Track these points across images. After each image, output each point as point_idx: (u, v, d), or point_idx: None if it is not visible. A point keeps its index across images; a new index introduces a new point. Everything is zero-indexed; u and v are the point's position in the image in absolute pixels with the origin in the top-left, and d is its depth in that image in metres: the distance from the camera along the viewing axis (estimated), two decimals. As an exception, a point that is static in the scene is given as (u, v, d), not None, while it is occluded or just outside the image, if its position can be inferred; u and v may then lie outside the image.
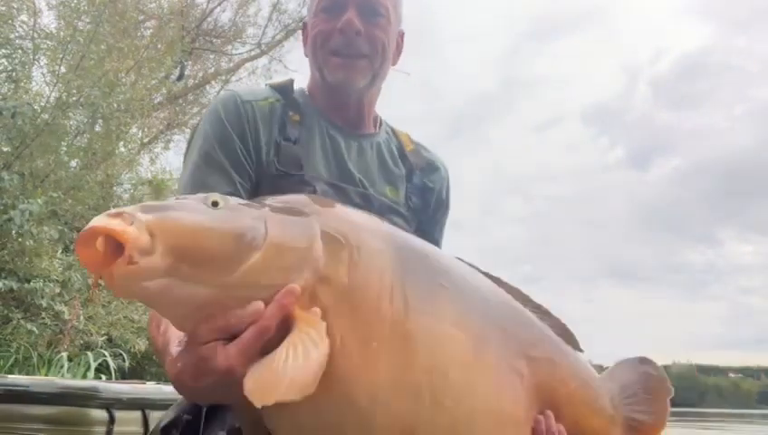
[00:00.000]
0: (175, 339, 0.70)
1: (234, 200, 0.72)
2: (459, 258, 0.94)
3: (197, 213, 0.66)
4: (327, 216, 0.77)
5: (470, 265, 0.93)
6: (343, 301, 0.70)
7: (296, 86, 1.17)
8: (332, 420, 0.69)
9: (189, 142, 1.07)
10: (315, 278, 0.69)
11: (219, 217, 0.67)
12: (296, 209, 0.76)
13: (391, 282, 0.74)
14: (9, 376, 3.19)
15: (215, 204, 0.69)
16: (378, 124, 1.24)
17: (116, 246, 0.59)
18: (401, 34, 1.19)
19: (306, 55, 1.15)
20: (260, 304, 0.63)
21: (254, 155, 1.03)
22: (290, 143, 1.05)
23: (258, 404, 0.58)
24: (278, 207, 0.76)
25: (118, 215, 0.61)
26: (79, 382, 3.26)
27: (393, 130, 1.27)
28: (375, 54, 1.08)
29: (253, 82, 13.44)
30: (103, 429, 2.44)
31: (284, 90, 1.12)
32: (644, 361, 1.10)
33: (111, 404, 2.48)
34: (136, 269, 0.59)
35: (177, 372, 0.66)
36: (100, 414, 2.45)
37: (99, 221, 0.60)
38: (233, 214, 0.69)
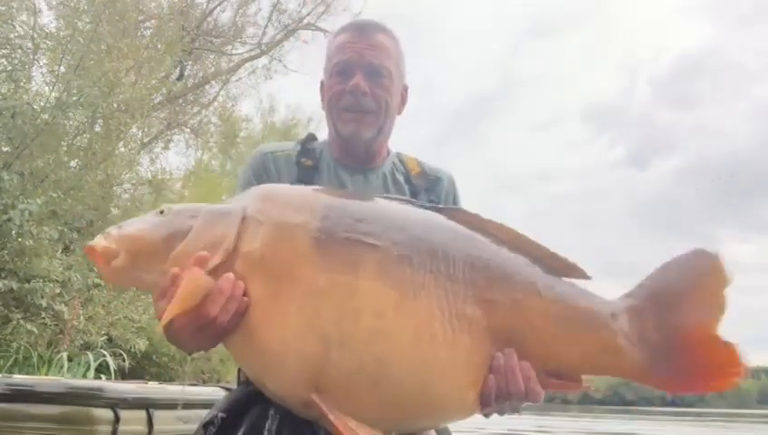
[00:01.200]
0: None
1: (178, 207, 0.97)
2: (435, 208, 1.06)
3: (145, 223, 0.94)
4: (257, 202, 0.96)
5: (448, 216, 1.02)
6: (257, 269, 0.88)
7: (321, 138, 1.40)
8: (257, 361, 0.90)
9: None
10: (230, 255, 0.89)
11: (158, 223, 0.94)
12: (230, 204, 0.98)
13: (308, 248, 0.89)
14: (15, 376, 3.21)
15: (161, 212, 0.96)
16: (385, 155, 1.37)
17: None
18: (405, 88, 1.36)
19: (323, 109, 1.34)
20: (176, 270, 0.86)
21: None
22: (319, 182, 1.27)
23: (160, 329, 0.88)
24: (216, 205, 0.99)
25: (104, 234, 0.93)
26: (84, 382, 3.28)
27: (400, 158, 1.39)
28: (380, 110, 1.26)
29: (252, 83, 13.46)
30: (109, 428, 2.45)
31: (303, 141, 1.35)
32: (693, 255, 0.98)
33: (116, 404, 2.50)
34: (110, 268, 0.91)
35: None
36: (106, 414, 2.46)
37: (93, 241, 0.92)
38: (170, 218, 0.94)
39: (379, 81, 1.25)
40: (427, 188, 1.34)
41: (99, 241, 0.92)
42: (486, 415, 0.98)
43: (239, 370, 1.22)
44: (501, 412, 0.96)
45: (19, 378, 2.76)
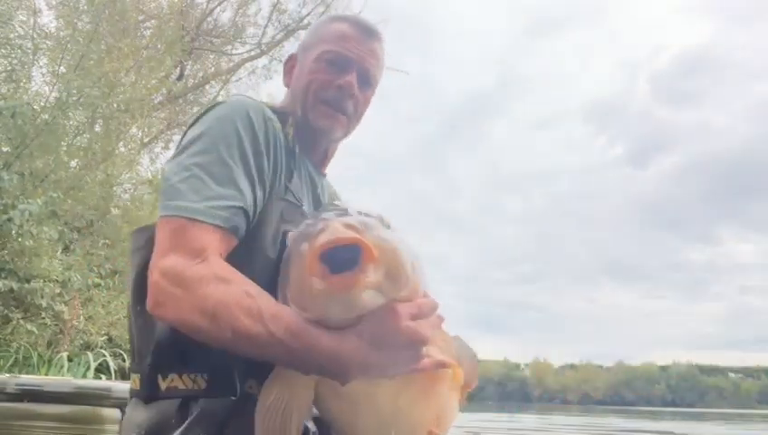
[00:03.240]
0: (316, 330, 0.77)
1: (388, 223, 0.82)
2: None
3: (393, 238, 0.76)
4: (377, 232, 0.86)
5: None
6: None
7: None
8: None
9: (200, 122, 1.03)
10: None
11: (402, 242, 0.77)
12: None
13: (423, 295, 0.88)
14: (24, 376, 3.20)
15: (388, 226, 0.79)
16: None
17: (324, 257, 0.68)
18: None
19: (286, 86, 1.24)
20: (437, 301, 0.85)
21: (271, 173, 1.06)
22: (297, 172, 1.15)
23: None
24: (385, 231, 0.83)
25: (351, 227, 0.70)
26: (93, 382, 3.28)
27: None
28: (354, 117, 1.21)
29: (252, 83, 13.43)
30: (116, 427, 2.45)
31: (284, 120, 1.13)
32: None
33: (124, 404, 2.49)
34: (365, 282, 0.69)
35: (350, 347, 0.76)
36: (114, 413, 2.47)
37: (343, 233, 0.69)
38: (401, 237, 0.79)
39: (366, 90, 1.21)
40: None
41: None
42: None
43: (157, 377, 0.93)
44: None
45: (28, 378, 2.76)
